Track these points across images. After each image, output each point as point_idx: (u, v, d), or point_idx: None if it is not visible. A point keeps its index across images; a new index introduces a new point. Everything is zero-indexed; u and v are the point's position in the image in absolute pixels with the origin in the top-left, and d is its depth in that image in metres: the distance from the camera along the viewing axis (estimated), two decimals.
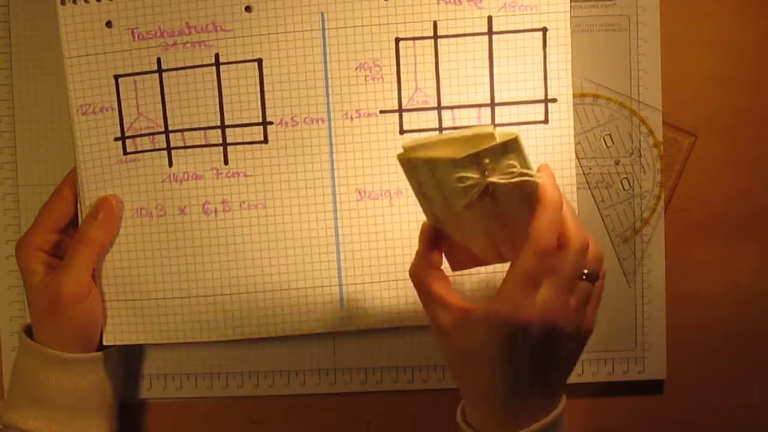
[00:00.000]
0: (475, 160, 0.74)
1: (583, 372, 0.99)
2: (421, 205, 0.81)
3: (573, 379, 0.98)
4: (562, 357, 0.80)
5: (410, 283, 0.86)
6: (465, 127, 0.90)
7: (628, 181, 0.99)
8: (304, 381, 1.00)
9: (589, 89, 0.97)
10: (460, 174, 0.75)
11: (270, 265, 0.90)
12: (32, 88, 0.96)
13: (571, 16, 0.90)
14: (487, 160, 0.74)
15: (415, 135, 0.90)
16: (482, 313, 0.77)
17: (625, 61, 0.97)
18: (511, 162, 0.75)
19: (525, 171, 0.75)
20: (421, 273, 0.81)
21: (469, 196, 0.76)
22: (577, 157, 0.97)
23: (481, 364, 0.78)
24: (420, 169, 0.77)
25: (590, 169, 0.98)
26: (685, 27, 0.98)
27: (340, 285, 0.90)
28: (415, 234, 0.87)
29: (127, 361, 0.98)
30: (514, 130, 0.77)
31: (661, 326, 0.98)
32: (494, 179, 0.75)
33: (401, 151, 0.77)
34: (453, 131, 0.78)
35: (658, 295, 0.99)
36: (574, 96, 0.95)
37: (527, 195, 0.76)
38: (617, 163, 0.98)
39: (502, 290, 0.77)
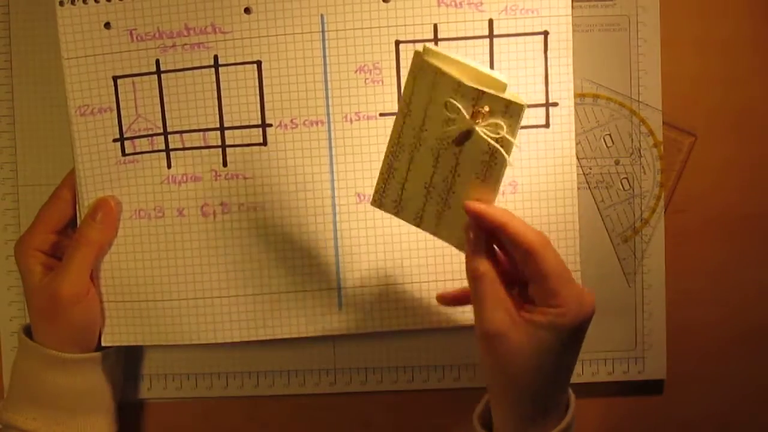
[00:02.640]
0: (475, 98, 0.75)
1: (583, 372, 0.99)
2: (396, 121, 0.79)
3: (573, 378, 0.94)
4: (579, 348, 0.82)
5: (409, 287, 0.87)
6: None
7: (628, 181, 0.98)
8: (304, 381, 1.00)
9: (589, 89, 0.97)
10: (455, 102, 0.76)
11: (268, 267, 0.90)
12: (32, 88, 0.96)
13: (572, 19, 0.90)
14: (486, 107, 0.75)
15: None
16: (551, 317, 0.76)
17: (625, 61, 0.97)
18: (500, 123, 0.76)
19: (509, 138, 0.77)
20: (480, 268, 0.79)
21: (448, 130, 0.77)
22: (577, 157, 0.97)
23: (533, 366, 0.78)
24: (426, 75, 0.76)
25: (590, 169, 0.97)
26: (685, 27, 0.97)
27: (339, 288, 0.90)
28: (414, 238, 0.88)
29: (127, 362, 0.98)
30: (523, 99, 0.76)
31: (661, 326, 0.98)
32: (480, 129, 0.76)
33: (421, 50, 0.76)
34: (476, 63, 0.77)
35: (658, 295, 0.98)
36: (575, 96, 0.94)
37: (488, 165, 0.77)
38: (617, 163, 0.98)
39: (560, 292, 0.76)
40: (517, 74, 0.89)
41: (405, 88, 0.79)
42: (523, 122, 0.85)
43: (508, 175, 0.86)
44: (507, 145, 0.77)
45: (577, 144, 0.96)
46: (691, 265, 0.99)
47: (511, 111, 0.75)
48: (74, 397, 0.90)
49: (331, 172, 0.90)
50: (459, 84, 0.76)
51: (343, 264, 0.90)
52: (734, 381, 1.01)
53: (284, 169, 0.90)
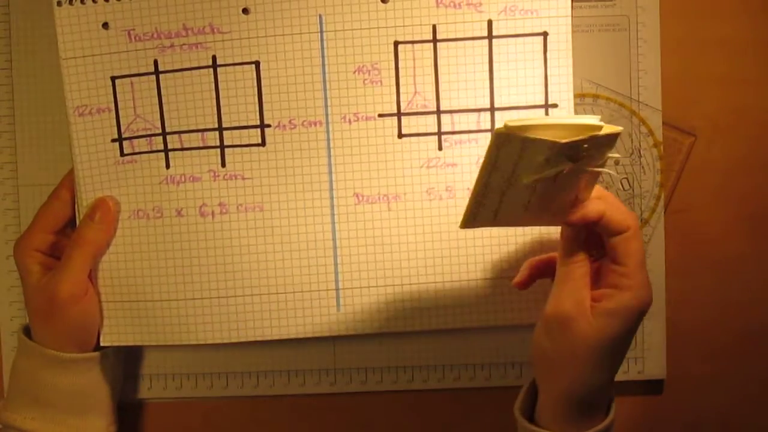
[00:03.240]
0: (574, 147, 0.74)
1: None
2: (481, 172, 0.77)
3: None
4: None
5: (408, 289, 0.88)
6: (467, 131, 0.90)
7: (628, 181, 0.98)
8: (304, 381, 1.00)
9: (589, 89, 0.97)
10: (550, 156, 0.74)
11: (267, 268, 0.90)
12: (32, 88, 0.96)
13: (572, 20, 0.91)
14: (585, 146, 0.74)
15: (415, 138, 0.90)
16: (621, 300, 0.78)
17: (625, 61, 0.97)
18: (605, 152, 0.76)
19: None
20: (578, 256, 0.81)
21: (544, 174, 0.75)
22: None
23: (596, 354, 0.79)
24: (512, 145, 0.74)
25: None
26: (685, 27, 0.97)
27: (337, 289, 0.90)
28: (413, 239, 0.89)
29: (127, 361, 0.98)
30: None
31: (661, 326, 0.98)
32: (584, 165, 0.76)
33: (500, 126, 0.74)
34: (558, 117, 0.82)
35: (658, 295, 0.97)
36: (574, 96, 0.94)
37: (587, 180, 0.78)
38: (617, 163, 0.97)
39: (635, 276, 0.78)
40: (516, 75, 0.89)
41: (487, 155, 0.75)
42: None
43: None
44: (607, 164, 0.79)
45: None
46: (691, 265, 0.99)
47: (612, 141, 0.76)
48: (73, 397, 0.90)
49: (330, 173, 0.89)
50: (553, 144, 0.73)
51: (341, 265, 0.90)
52: (734, 381, 1.00)
53: (283, 169, 0.90)
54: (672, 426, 1.01)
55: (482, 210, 0.79)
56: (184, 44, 0.88)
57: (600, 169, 0.76)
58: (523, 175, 0.76)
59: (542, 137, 0.73)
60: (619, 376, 0.95)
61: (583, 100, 0.97)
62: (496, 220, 0.80)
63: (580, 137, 0.73)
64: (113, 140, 0.89)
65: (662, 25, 0.96)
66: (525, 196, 0.78)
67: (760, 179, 0.99)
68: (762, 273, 1.00)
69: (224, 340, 0.90)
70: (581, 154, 0.74)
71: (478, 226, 0.84)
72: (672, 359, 0.98)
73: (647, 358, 0.99)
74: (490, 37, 0.88)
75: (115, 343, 0.91)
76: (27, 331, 0.91)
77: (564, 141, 0.73)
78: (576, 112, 0.94)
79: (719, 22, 0.98)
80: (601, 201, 0.79)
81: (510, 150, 0.75)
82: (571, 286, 0.80)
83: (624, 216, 0.78)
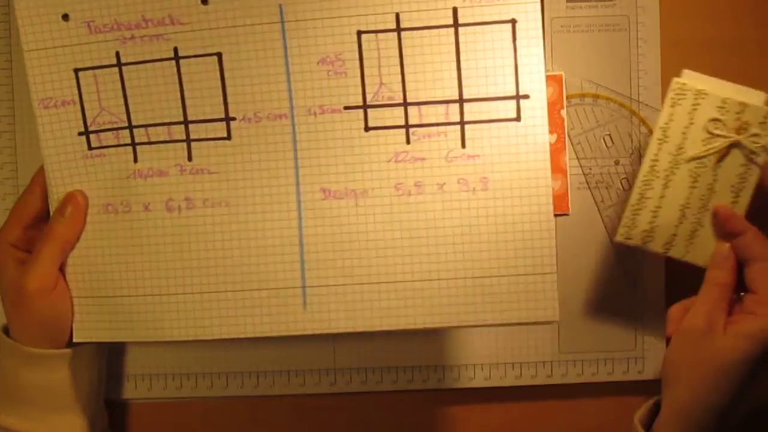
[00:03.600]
0: (739, 112, 0.86)
1: (583, 372, 1.00)
2: (649, 150, 0.87)
3: (572, 379, 0.99)
4: None
5: (376, 287, 0.85)
6: (435, 124, 0.86)
7: (628, 181, 0.99)
8: (304, 381, 1.00)
9: (589, 89, 0.98)
10: (719, 117, 0.86)
11: (232, 264, 0.88)
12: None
13: (571, 17, 0.96)
14: (747, 119, 0.86)
15: (382, 131, 0.86)
16: (759, 325, 0.81)
17: (625, 61, 0.98)
18: (761, 132, 0.86)
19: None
20: (724, 278, 0.85)
21: (711, 148, 0.86)
22: (577, 157, 0.98)
23: (726, 374, 0.81)
24: (687, 99, 0.86)
25: (590, 169, 0.98)
26: (685, 27, 0.98)
27: (304, 287, 0.87)
28: (381, 236, 0.86)
29: (126, 361, 0.99)
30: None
31: (661, 326, 0.98)
32: (745, 139, 0.86)
33: (678, 78, 0.85)
34: (729, 84, 0.88)
35: (658, 295, 0.99)
36: (574, 96, 0.95)
37: (743, 176, 0.87)
38: (617, 163, 0.99)
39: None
40: (485, 65, 0.84)
41: (662, 116, 0.88)
42: (493, 116, 0.83)
43: (479, 171, 0.85)
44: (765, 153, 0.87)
45: (577, 144, 0.97)
46: (691, 265, 0.95)
47: None
48: (48, 394, 0.90)
49: (296, 167, 0.87)
50: (724, 101, 0.86)
51: (308, 262, 0.87)
52: None
53: (249, 164, 0.87)
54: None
55: (643, 212, 0.87)
56: (144, 36, 0.86)
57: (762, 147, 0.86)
58: (689, 148, 0.86)
59: (718, 93, 0.85)
60: (619, 376, 1.00)
61: (583, 100, 0.97)
62: (651, 234, 0.88)
63: (745, 100, 0.85)
64: (80, 133, 0.88)
65: (662, 25, 0.98)
66: (685, 192, 0.87)
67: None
68: None
69: (190, 338, 0.88)
70: (743, 126, 0.85)
71: (633, 241, 0.89)
72: None
73: (647, 358, 1.00)
74: (455, 25, 0.84)
75: (87, 340, 0.90)
76: (6, 330, 0.91)
77: (734, 98, 0.85)
78: (576, 112, 0.98)
79: (719, 22, 0.99)
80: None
81: (683, 109, 0.86)
82: (708, 304, 0.83)
83: (765, 243, 0.84)
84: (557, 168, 0.96)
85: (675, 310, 0.88)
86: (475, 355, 1.00)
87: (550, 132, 0.90)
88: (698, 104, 0.87)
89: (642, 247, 0.90)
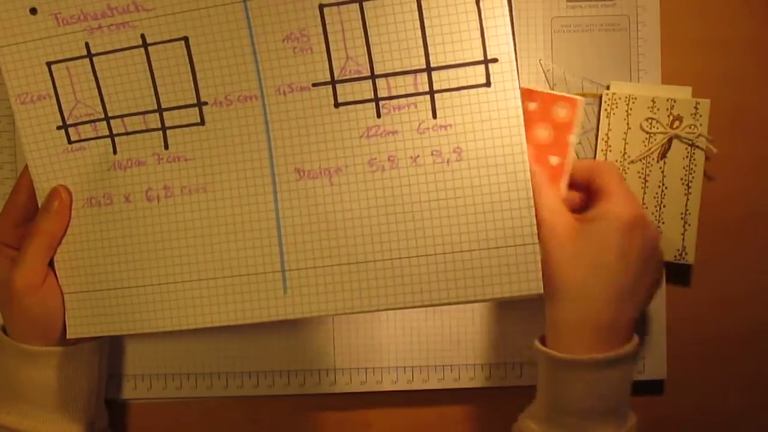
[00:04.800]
0: (669, 108, 0.92)
1: None
2: (598, 158, 0.92)
3: None
4: (652, 275, 0.85)
5: (356, 267, 0.83)
6: (404, 95, 0.84)
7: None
8: (304, 381, 1.00)
9: (590, 89, 0.97)
10: (652, 116, 0.91)
11: (212, 251, 0.86)
12: None
13: (571, 17, 0.98)
14: (678, 113, 0.91)
15: (352, 107, 0.84)
16: (599, 210, 0.82)
17: (625, 61, 0.98)
18: (694, 123, 0.92)
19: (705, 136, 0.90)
20: (544, 176, 0.84)
21: (649, 146, 0.91)
22: (578, 157, 0.97)
23: (576, 262, 0.81)
24: (619, 107, 0.92)
25: None
26: (685, 27, 0.98)
27: (283, 271, 0.85)
28: (358, 214, 0.85)
29: (126, 361, 0.99)
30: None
31: (661, 326, 0.99)
32: (680, 132, 0.90)
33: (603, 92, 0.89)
34: (655, 85, 0.94)
35: (658, 295, 0.98)
36: (575, 96, 0.90)
37: (688, 168, 0.91)
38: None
39: (612, 190, 0.83)
40: (450, 30, 0.82)
41: (601, 127, 0.94)
42: (462, 83, 0.81)
43: (452, 141, 0.83)
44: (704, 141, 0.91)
45: (577, 144, 0.94)
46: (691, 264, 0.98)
47: (701, 109, 0.90)
48: (45, 391, 0.90)
49: (269, 149, 0.85)
50: (653, 100, 0.93)
51: (286, 245, 0.85)
52: (734, 381, 1.00)
53: (223, 148, 0.86)
54: (672, 426, 1.00)
55: None
56: (111, 24, 0.86)
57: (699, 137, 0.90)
58: (631, 152, 0.94)
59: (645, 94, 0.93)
60: None
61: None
62: None
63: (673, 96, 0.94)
64: (59, 127, 0.88)
65: (662, 25, 0.98)
66: (638, 193, 0.93)
67: (760, 179, 1.00)
68: (761, 273, 1.00)
69: (174, 328, 0.87)
70: (675, 119, 0.92)
71: None
72: (672, 359, 0.99)
73: (647, 358, 0.99)
74: None
75: (80, 335, 0.90)
76: (5, 329, 0.92)
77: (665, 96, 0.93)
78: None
79: (719, 22, 0.99)
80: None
81: (618, 116, 0.94)
82: (544, 196, 0.82)
83: (595, 162, 0.88)
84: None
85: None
86: (475, 355, 0.99)
87: (555, 153, 0.86)
88: (631, 109, 0.94)
89: None
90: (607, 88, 0.96)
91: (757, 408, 1.00)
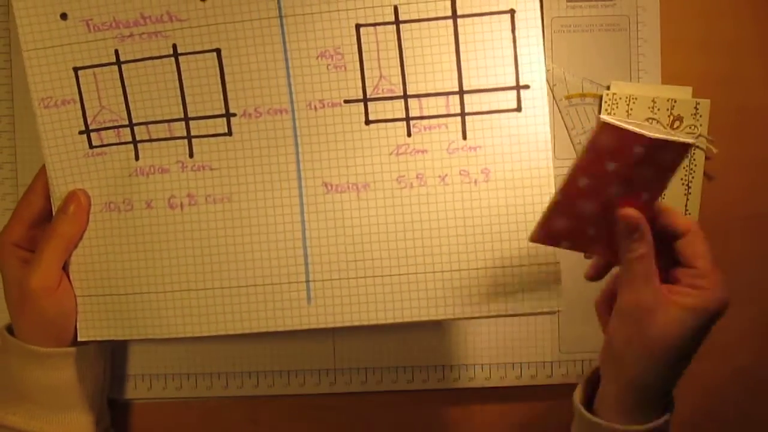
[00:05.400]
0: (672, 108, 0.93)
1: (583, 372, 1.00)
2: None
3: (573, 379, 0.99)
4: None
5: (380, 281, 0.85)
6: (436, 116, 0.87)
7: None
8: (304, 381, 1.00)
9: (590, 89, 0.97)
10: (652, 116, 0.91)
11: (236, 260, 0.88)
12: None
13: (571, 17, 0.97)
14: (679, 113, 0.92)
15: (383, 124, 0.86)
16: (698, 299, 0.77)
17: (625, 61, 0.98)
18: (695, 123, 0.92)
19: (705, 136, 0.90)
20: (641, 249, 0.79)
21: None
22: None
23: (669, 345, 0.78)
24: (620, 107, 0.92)
25: None
26: (685, 27, 0.98)
27: (308, 281, 0.87)
28: (384, 229, 0.86)
29: (126, 361, 0.99)
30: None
31: None
32: (680, 132, 0.90)
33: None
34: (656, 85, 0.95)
35: None
36: (574, 96, 0.95)
37: (693, 167, 0.92)
38: None
39: (711, 276, 0.78)
40: (484, 56, 0.85)
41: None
42: (494, 107, 0.83)
43: (480, 162, 0.85)
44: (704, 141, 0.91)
45: (577, 144, 0.97)
46: None
47: (701, 109, 0.91)
48: (52, 393, 0.90)
49: (298, 161, 0.87)
50: (654, 100, 0.93)
51: (311, 256, 0.87)
52: (734, 381, 1.00)
53: (250, 159, 0.87)
54: (672, 426, 0.95)
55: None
56: (143, 33, 0.86)
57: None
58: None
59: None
60: None
61: (583, 100, 0.97)
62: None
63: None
64: (81, 132, 0.88)
65: (662, 25, 0.97)
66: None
67: (761, 179, 1.00)
68: (761, 273, 1.00)
69: (195, 334, 0.88)
70: (684, 123, 0.90)
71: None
72: None
73: None
74: (454, 16, 0.84)
75: (92, 338, 0.90)
76: (10, 328, 0.91)
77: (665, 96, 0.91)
78: (576, 111, 0.98)
79: (719, 22, 0.99)
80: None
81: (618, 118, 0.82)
82: (643, 280, 0.78)
83: (683, 218, 0.80)
84: None
85: (601, 304, 0.86)
86: (476, 355, 1.00)
87: (646, 190, 0.84)
88: (631, 109, 0.94)
89: None
90: (607, 88, 0.96)
91: (757, 408, 1.01)
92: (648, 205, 0.80)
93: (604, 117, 0.74)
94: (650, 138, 0.74)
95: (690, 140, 0.77)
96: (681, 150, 0.77)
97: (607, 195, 0.78)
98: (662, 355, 0.78)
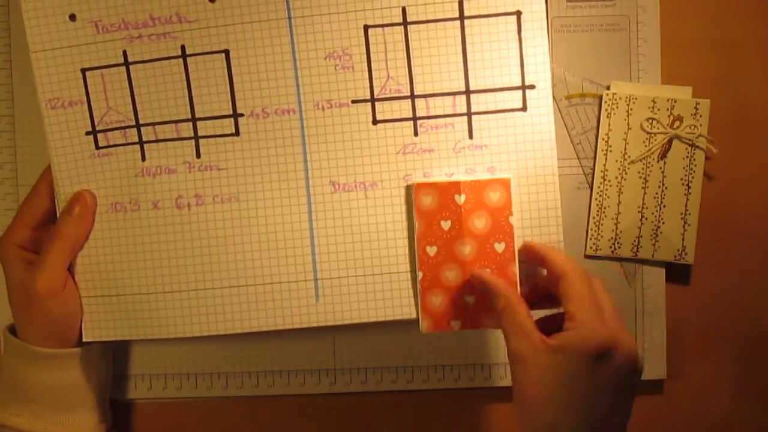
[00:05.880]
0: (669, 108, 0.93)
1: None
2: (598, 158, 0.89)
3: None
4: (627, 405, 0.80)
5: (387, 278, 0.86)
6: (442, 116, 0.88)
7: None
8: (304, 381, 1.00)
9: (590, 89, 0.97)
10: (652, 116, 0.92)
11: (244, 259, 0.88)
12: (32, 88, 0.93)
13: (571, 17, 0.97)
14: (679, 113, 0.91)
15: (390, 124, 0.87)
16: (563, 339, 0.77)
17: (625, 61, 0.98)
18: (695, 123, 0.93)
19: (705, 136, 0.92)
20: (511, 297, 0.81)
21: (652, 147, 0.92)
22: (578, 157, 0.98)
23: (546, 393, 0.77)
24: (619, 107, 0.93)
25: (590, 169, 0.97)
26: (685, 27, 0.99)
27: (316, 279, 0.88)
28: (391, 227, 0.87)
29: (125, 361, 0.99)
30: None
31: (661, 326, 0.99)
32: (681, 131, 0.91)
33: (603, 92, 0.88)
34: (656, 85, 0.95)
35: (658, 295, 0.99)
36: (574, 96, 0.96)
37: (688, 168, 0.92)
38: None
39: (580, 316, 0.78)
40: (491, 56, 0.86)
41: (601, 127, 0.95)
42: (500, 106, 0.84)
43: (486, 161, 0.86)
44: (704, 141, 0.92)
45: (577, 144, 0.97)
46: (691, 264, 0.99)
47: (702, 110, 0.92)
48: (57, 393, 0.90)
49: (305, 161, 0.88)
50: (654, 100, 0.94)
51: (319, 255, 0.88)
52: (734, 381, 1.01)
53: (257, 159, 0.88)
54: (672, 426, 1.00)
55: (605, 222, 0.92)
56: (152, 34, 0.87)
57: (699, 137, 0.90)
58: (632, 152, 0.93)
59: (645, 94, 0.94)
60: None
61: (583, 100, 0.97)
62: (617, 241, 0.93)
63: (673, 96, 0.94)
64: (87, 133, 0.88)
65: (662, 25, 0.98)
66: (639, 193, 0.92)
67: (760, 179, 1.00)
68: (763, 273, 1.00)
69: (203, 333, 0.89)
70: (676, 119, 0.93)
71: (603, 252, 0.92)
72: (672, 359, 0.99)
73: (647, 358, 0.99)
74: (461, 17, 0.86)
75: (98, 339, 0.90)
76: (13, 329, 0.91)
77: (665, 96, 0.94)
78: (576, 112, 0.98)
79: (719, 22, 0.99)
80: (547, 245, 0.85)
81: (618, 116, 0.95)
82: (514, 329, 0.79)
83: (560, 261, 0.81)
84: (504, 275, 0.86)
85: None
86: (475, 355, 1.00)
87: (499, 240, 0.86)
88: (631, 109, 0.95)
89: (612, 255, 0.95)
90: (608, 88, 0.96)
91: (758, 408, 1.01)
92: (507, 255, 0.84)
93: (416, 179, 0.83)
94: (462, 181, 0.83)
95: (505, 176, 0.84)
96: (503, 185, 0.84)
97: (462, 256, 0.83)
98: (539, 404, 0.77)
